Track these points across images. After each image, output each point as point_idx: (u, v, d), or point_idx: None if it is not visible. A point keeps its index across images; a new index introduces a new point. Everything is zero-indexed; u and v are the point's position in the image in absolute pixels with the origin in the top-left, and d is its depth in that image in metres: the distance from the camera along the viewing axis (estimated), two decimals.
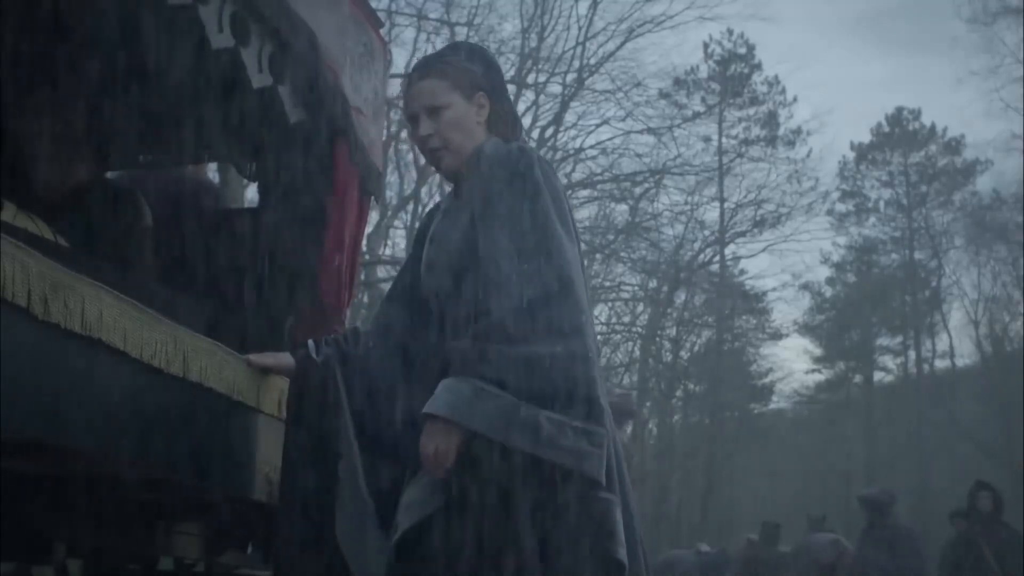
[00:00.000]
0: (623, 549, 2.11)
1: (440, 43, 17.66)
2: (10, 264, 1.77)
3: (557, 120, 19.88)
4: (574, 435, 2.03)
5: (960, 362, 29.03)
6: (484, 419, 2.01)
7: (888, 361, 30.63)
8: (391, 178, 17.89)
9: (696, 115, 25.06)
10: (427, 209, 7.25)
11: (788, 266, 39.88)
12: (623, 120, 20.64)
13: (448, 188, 2.68)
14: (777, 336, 28.67)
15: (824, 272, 30.57)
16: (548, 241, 2.17)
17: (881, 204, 30.21)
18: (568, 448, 2.02)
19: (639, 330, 24.53)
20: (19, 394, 1.80)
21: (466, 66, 2.43)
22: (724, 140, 26.65)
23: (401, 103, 16.21)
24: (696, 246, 25.76)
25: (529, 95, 19.24)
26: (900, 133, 30.17)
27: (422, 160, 17.84)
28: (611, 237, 21.36)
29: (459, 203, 2.39)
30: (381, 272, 15.85)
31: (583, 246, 2.58)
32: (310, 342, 2.51)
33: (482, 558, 2.04)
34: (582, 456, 2.04)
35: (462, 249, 2.29)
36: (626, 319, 24.37)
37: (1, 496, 2.23)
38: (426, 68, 2.45)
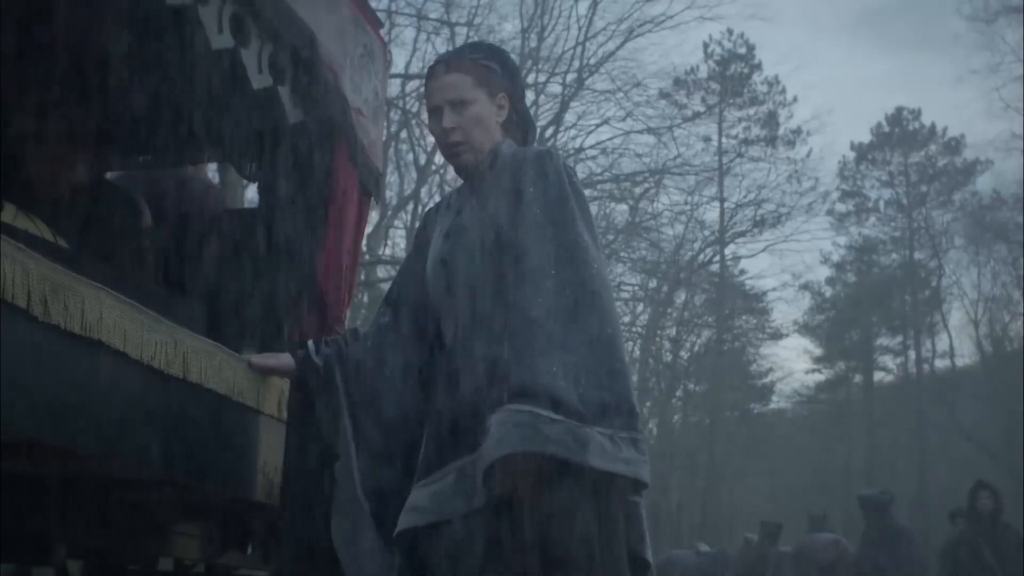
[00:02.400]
0: (649, 549, 2.20)
1: (440, 43, 17.70)
2: (10, 266, 1.78)
3: (557, 120, 19.89)
4: (625, 446, 2.06)
5: (960, 362, 29.07)
6: (558, 444, 1.99)
7: (888, 361, 30.67)
8: (391, 178, 17.89)
9: (696, 115, 25.11)
10: (426, 208, 7.22)
11: (788, 266, 39.83)
12: (623, 120, 20.68)
13: (447, 187, 2.67)
14: (777, 336, 28.75)
15: (824, 272, 30.63)
16: (578, 250, 2.18)
17: (881, 204, 30.25)
18: (625, 459, 2.06)
19: (639, 330, 24.54)
20: (19, 395, 1.81)
21: (491, 66, 2.43)
22: (724, 140, 26.73)
23: (401, 104, 16.21)
24: (696, 246, 25.84)
25: (529, 95, 19.23)
26: (900, 133, 30.17)
27: (422, 160, 17.87)
28: (611, 237, 21.35)
29: (477, 201, 2.37)
30: (381, 272, 15.85)
31: None
32: (310, 343, 2.51)
33: (540, 565, 2.04)
34: (636, 465, 2.07)
35: (484, 248, 2.28)
36: (626, 319, 24.36)
37: (2, 497, 2.23)
38: (453, 62, 2.44)
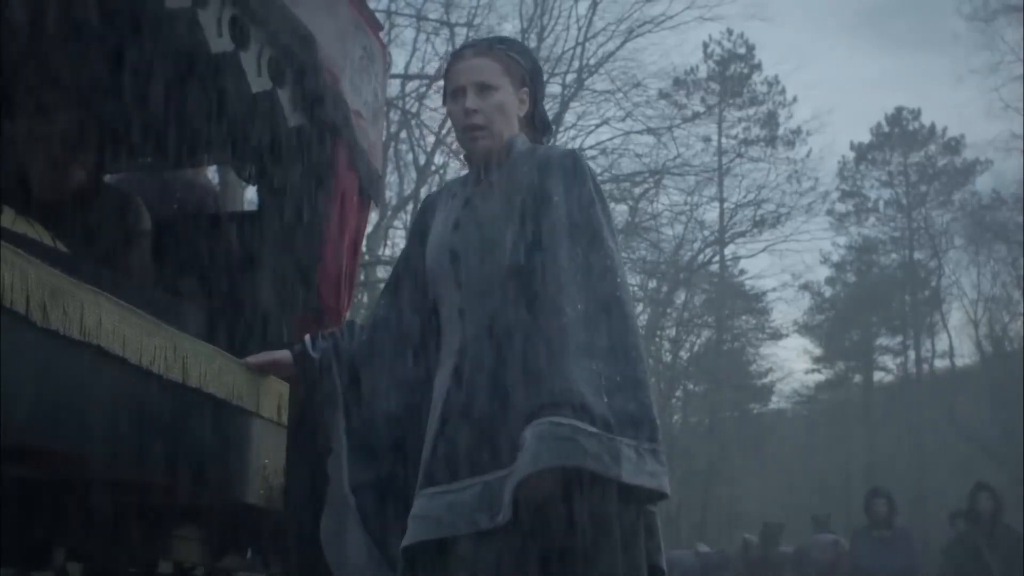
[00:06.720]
0: (664, 558, 2.22)
1: (440, 43, 17.69)
2: (9, 271, 1.77)
3: (557, 120, 19.84)
4: (649, 457, 2.07)
5: (960, 362, 29.01)
6: (597, 459, 1.99)
7: (888, 361, 30.63)
8: (390, 178, 17.89)
9: (696, 115, 25.07)
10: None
11: (788, 266, 39.67)
12: (623, 120, 20.66)
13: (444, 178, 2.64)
14: (777, 336, 28.71)
15: (824, 272, 30.57)
16: (605, 257, 2.18)
17: (881, 204, 30.21)
18: (649, 471, 2.06)
19: (639, 330, 24.49)
20: (19, 400, 1.80)
21: (518, 59, 2.43)
22: (724, 140, 26.69)
23: (400, 104, 16.18)
24: (696, 246, 25.81)
25: None
26: (900, 133, 30.14)
27: (422, 160, 17.87)
28: None
29: (489, 192, 2.35)
30: (381, 272, 15.82)
31: None
32: (306, 338, 2.50)
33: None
34: (658, 477, 2.08)
35: (499, 244, 2.26)
36: None
37: (1, 501, 2.23)
38: (482, 48, 2.44)
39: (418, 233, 2.51)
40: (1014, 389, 21.11)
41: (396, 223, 18.43)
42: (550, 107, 19.80)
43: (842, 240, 30.36)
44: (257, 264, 3.20)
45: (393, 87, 16.18)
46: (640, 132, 20.95)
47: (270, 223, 3.23)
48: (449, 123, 2.48)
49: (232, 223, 3.50)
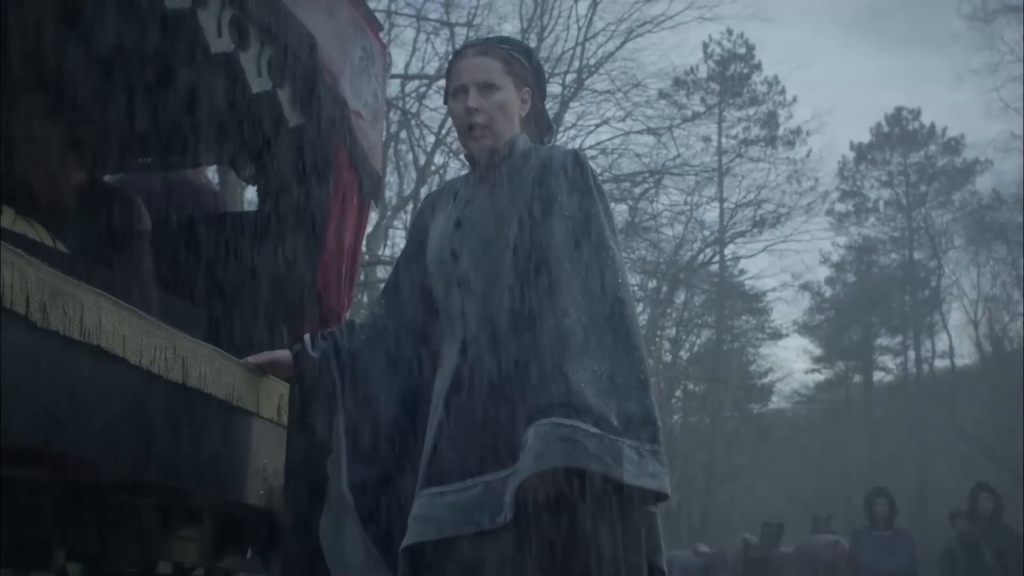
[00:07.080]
0: (664, 559, 2.21)
1: (440, 43, 17.68)
2: (9, 271, 1.77)
3: (557, 120, 19.82)
4: (650, 458, 2.07)
5: (960, 362, 29.04)
6: (599, 461, 1.99)
7: (888, 361, 30.66)
8: (390, 178, 17.87)
9: (696, 115, 25.03)
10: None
11: (788, 266, 39.84)
12: (622, 120, 20.61)
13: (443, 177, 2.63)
14: (777, 336, 28.71)
15: (824, 272, 30.60)
16: (607, 257, 2.18)
17: (880, 204, 30.24)
18: (651, 473, 2.06)
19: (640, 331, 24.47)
20: (19, 401, 1.80)
21: (520, 59, 2.43)
22: (724, 140, 26.66)
23: (400, 104, 16.18)
24: (696, 246, 25.79)
25: None
26: (899, 133, 30.15)
27: (422, 160, 17.86)
28: None
29: (490, 191, 2.35)
30: (381, 272, 15.80)
31: None
32: (306, 337, 2.50)
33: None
34: (660, 478, 2.08)
35: (501, 243, 2.25)
36: None
37: (2, 502, 2.23)
38: (484, 47, 2.43)
39: (418, 233, 2.51)
40: (1014, 389, 21.12)
41: (396, 223, 18.42)
42: (550, 107, 19.76)
43: (842, 240, 30.42)
44: (257, 264, 3.20)
45: (393, 87, 16.17)
46: (640, 132, 20.93)
47: (270, 223, 3.23)
48: (449, 123, 2.48)
49: (232, 223, 3.50)
